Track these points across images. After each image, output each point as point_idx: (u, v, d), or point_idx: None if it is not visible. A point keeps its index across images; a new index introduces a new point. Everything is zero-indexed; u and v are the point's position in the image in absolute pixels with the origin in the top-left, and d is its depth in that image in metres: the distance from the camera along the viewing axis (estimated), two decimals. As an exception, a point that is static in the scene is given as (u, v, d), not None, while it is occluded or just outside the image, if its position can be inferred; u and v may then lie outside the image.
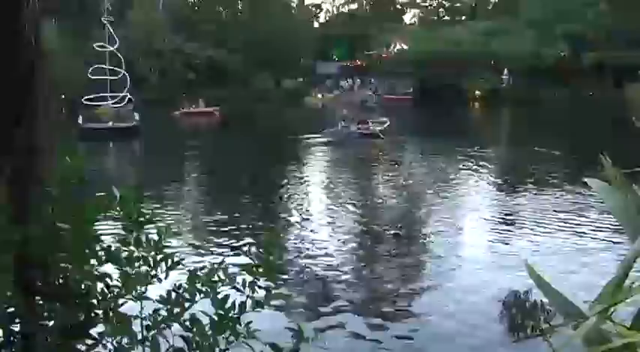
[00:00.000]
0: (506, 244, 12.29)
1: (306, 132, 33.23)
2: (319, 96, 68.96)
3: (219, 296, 1.99)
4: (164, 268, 2.06)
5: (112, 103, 38.66)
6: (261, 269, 2.04)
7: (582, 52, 62.62)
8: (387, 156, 26.19)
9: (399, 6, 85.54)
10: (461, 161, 23.50)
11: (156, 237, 2.07)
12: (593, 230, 12.95)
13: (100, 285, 1.99)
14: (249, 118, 46.69)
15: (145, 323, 1.97)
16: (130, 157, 28.87)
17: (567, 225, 13.54)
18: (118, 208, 2.04)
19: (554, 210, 14.84)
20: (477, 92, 64.25)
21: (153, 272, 2.05)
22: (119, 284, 2.01)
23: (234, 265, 2.15)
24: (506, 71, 65.80)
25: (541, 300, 7.93)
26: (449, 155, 25.22)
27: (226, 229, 13.46)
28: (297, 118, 48.64)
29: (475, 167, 22.04)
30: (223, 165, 24.11)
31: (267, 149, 29.99)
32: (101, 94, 39.19)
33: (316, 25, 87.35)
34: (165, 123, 41.64)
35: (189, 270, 2.05)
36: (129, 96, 39.58)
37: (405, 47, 71.23)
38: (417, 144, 30.32)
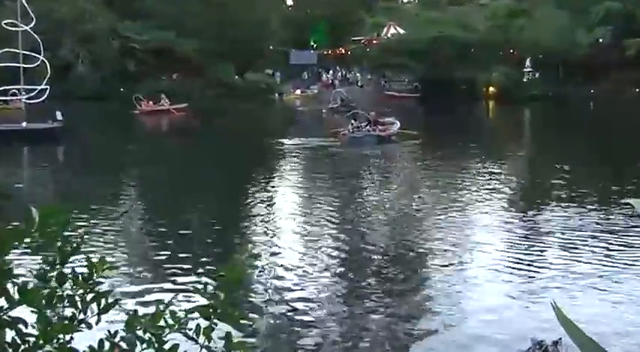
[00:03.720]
0: (531, 277, 12.39)
1: (298, 134, 34.77)
2: (297, 92, 69.39)
3: (166, 346, 1.98)
4: (95, 310, 2.04)
5: (26, 98, 38.25)
6: (219, 311, 2.03)
7: (627, 39, 62.72)
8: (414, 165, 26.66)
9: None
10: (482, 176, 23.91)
11: (86, 271, 2.06)
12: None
13: (10, 334, 1.97)
14: (213, 120, 47.25)
15: (69, 382, 1.96)
16: (47, 167, 28.63)
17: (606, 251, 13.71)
18: (36, 234, 2.03)
19: (591, 235, 15.03)
20: (492, 88, 64.97)
21: (81, 316, 2.03)
22: (36, 333, 1.99)
23: (186, 307, 2.14)
24: (528, 62, 66.54)
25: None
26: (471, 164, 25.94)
27: (176, 261, 13.36)
28: (275, 120, 49.02)
29: (495, 184, 22.32)
30: (169, 176, 24.12)
31: (249, 157, 30.03)
32: (11, 87, 38.82)
33: (290, 1, 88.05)
34: (100, 124, 41.57)
35: (127, 313, 2.04)
36: (49, 89, 39.19)
37: (402, 32, 71.88)
38: (437, 149, 31.08)
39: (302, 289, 11.89)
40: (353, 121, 34.07)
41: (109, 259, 2.32)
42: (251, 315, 10.21)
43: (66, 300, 2.03)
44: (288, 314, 10.73)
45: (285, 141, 33.69)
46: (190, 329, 2.03)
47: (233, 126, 45.97)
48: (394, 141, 32.76)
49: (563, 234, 15.29)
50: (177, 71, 66.36)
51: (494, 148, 32.13)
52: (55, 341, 1.99)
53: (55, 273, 2.04)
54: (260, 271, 12.65)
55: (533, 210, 18.09)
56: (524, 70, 66.85)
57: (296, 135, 35.91)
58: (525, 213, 17.64)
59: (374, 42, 74.67)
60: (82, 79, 60.65)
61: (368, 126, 33.36)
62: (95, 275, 2.06)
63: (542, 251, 14.11)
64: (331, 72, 77.34)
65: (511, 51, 66.71)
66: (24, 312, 2.00)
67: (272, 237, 15.48)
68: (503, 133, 43.46)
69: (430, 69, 62.76)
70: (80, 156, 30.91)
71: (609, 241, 14.62)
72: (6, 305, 1.98)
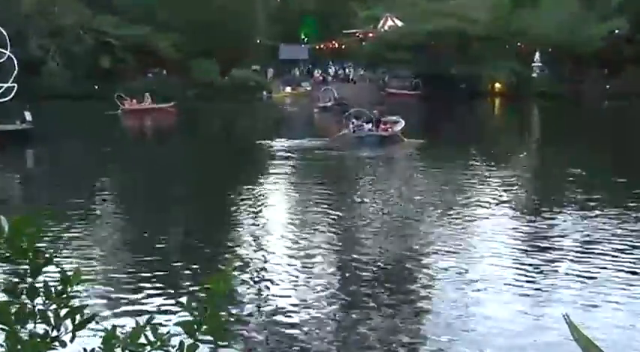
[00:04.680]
0: (541, 286, 12.40)
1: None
2: (287, 90, 69.32)
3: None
4: (70, 327, 2.04)
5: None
6: (204, 327, 2.03)
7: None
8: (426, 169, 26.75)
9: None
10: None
11: (59, 284, 2.06)
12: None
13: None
14: (198, 119, 47.25)
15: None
16: (14, 172, 28.48)
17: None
18: (4, 245, 2.03)
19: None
20: (498, 85, 65.03)
21: (54, 334, 2.03)
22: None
23: (168, 321, 2.15)
24: (538, 56, 66.53)
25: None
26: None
27: (158, 273, 13.32)
28: (263, 121, 48.95)
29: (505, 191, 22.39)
30: (148, 181, 24.09)
31: (235, 161, 29.95)
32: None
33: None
34: (73, 124, 41.39)
35: (105, 329, 2.04)
36: (16, 87, 38.98)
37: (400, 24, 71.95)
38: (441, 150, 31.30)
39: (295, 300, 11.87)
40: (354, 120, 34.18)
41: (84, 271, 2.31)
42: (239, 331, 10.20)
43: (38, 316, 2.02)
44: (280, 327, 10.71)
45: (274, 142, 33.69)
46: (173, 347, 2.03)
47: (217, 128, 46.08)
48: (397, 141, 32.94)
49: (574, 240, 15.40)
50: (156, 68, 66.26)
51: (500, 150, 32.22)
52: (26, 360, 1.99)
53: (25, 286, 2.04)
54: (248, 283, 12.65)
55: (543, 215, 18.13)
56: (533, 64, 66.78)
57: (286, 136, 35.91)
58: (534, 218, 17.69)
59: (370, 35, 74.69)
60: (52, 76, 60.39)
61: (370, 125, 33.50)
62: (69, 288, 2.06)
63: (552, 258, 14.19)
64: (324, 68, 77.23)
65: (518, 44, 66.67)
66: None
67: (261, 247, 15.42)
68: (510, 133, 43.54)
69: (431, 64, 62.73)
70: (51, 160, 30.78)
71: (623, 248, 14.69)
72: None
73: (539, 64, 66.79)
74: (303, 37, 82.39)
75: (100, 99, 52.36)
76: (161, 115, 49.59)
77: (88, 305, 2.14)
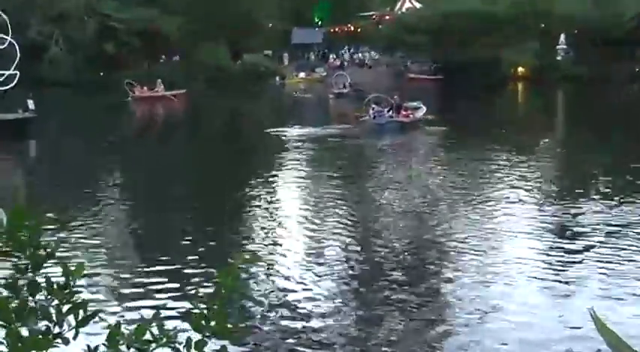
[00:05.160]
0: (566, 279, 12.37)
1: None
2: (301, 75, 69.24)
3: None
4: (73, 324, 2.04)
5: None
6: (213, 323, 2.03)
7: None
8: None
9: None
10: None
11: (61, 280, 2.06)
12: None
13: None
14: (208, 107, 47.36)
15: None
16: (15, 163, 28.61)
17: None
18: (4, 237, 2.03)
19: None
20: (521, 69, 64.72)
21: (56, 330, 2.03)
22: (5, 350, 1.99)
23: (175, 317, 2.15)
24: (563, 38, 66.07)
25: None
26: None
27: (165, 267, 13.34)
28: (276, 108, 49.01)
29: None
30: (155, 172, 24.13)
31: (246, 150, 30.00)
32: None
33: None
34: (77, 113, 41.56)
35: (109, 326, 2.04)
36: (18, 74, 39.11)
37: (418, 6, 71.79)
38: (463, 138, 31.31)
39: (308, 295, 11.87)
40: (374, 105, 34.17)
41: (87, 265, 2.31)
42: (250, 326, 10.21)
43: (39, 312, 2.02)
44: (292, 323, 10.72)
45: (288, 130, 33.66)
46: (181, 344, 2.03)
47: (228, 116, 46.07)
48: (419, 127, 33.00)
49: (602, 231, 15.27)
50: (164, 54, 66.39)
51: (524, 137, 32.00)
52: (26, 358, 1.98)
53: (26, 282, 2.04)
54: (260, 277, 12.66)
55: (568, 204, 18.04)
56: (558, 47, 66.38)
57: (299, 123, 35.89)
58: (560, 209, 17.59)
59: (387, 17, 74.51)
60: (55, 63, 60.63)
61: (391, 112, 33.51)
62: (72, 283, 2.06)
63: (578, 249, 14.13)
64: (340, 52, 77.02)
65: (542, 26, 66.26)
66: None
67: (273, 240, 15.41)
68: (534, 119, 43.24)
69: (451, 48, 62.54)
70: (54, 151, 30.83)
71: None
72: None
73: (565, 47, 66.32)
74: (317, 20, 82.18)
75: (104, 86, 52.57)
76: (171, 103, 49.65)
77: (91, 300, 2.14)
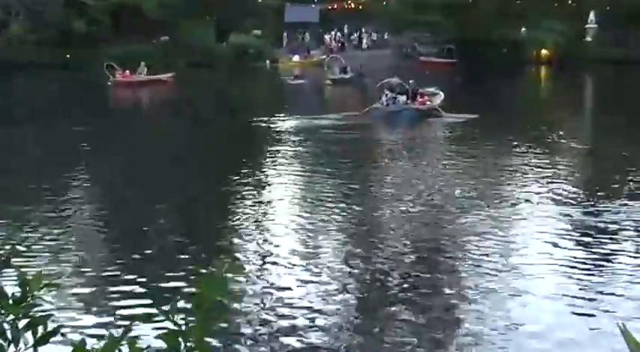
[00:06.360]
0: (594, 288, 12.44)
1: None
2: (295, 58, 69.51)
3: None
4: (30, 342, 2.03)
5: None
6: (191, 341, 2.02)
7: None
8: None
9: None
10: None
11: (18, 291, 2.05)
12: None
13: None
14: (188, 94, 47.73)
15: None
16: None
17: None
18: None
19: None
20: (545, 51, 65.03)
21: (11, 350, 2.00)
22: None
23: (147, 334, 2.13)
24: (592, 17, 66.50)
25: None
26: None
27: (137, 276, 13.33)
28: (266, 95, 49.39)
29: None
30: (131, 166, 24.27)
31: (233, 142, 30.18)
32: None
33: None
34: (42, 97, 41.73)
35: (73, 344, 2.02)
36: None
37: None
38: (482, 128, 31.71)
39: (305, 302, 11.99)
40: (387, 92, 34.46)
41: (48, 274, 2.29)
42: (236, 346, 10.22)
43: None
44: (285, 336, 10.76)
45: (280, 120, 33.80)
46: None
47: (213, 103, 46.26)
48: (436, 115, 33.44)
49: (633, 235, 15.40)
50: (141, 34, 66.58)
51: (549, 128, 32.16)
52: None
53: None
54: (254, 277, 12.74)
55: (595, 203, 18.24)
56: (587, 26, 66.82)
57: (294, 113, 36.02)
58: (587, 210, 17.76)
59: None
60: (18, 41, 60.77)
61: (405, 98, 33.88)
62: (30, 295, 2.05)
63: (607, 255, 14.25)
64: (338, 33, 77.10)
65: (569, 3, 66.68)
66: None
67: (263, 245, 15.49)
68: (560, 108, 43.51)
69: (467, 27, 62.93)
70: (15, 140, 30.86)
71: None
72: None
73: (594, 26, 66.69)
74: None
75: (73, 68, 52.76)
76: (155, 88, 50.09)
77: (52, 315, 2.12)
